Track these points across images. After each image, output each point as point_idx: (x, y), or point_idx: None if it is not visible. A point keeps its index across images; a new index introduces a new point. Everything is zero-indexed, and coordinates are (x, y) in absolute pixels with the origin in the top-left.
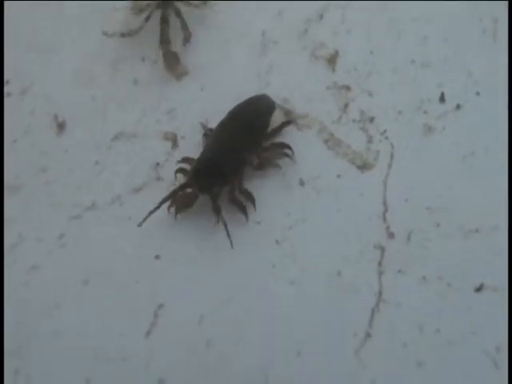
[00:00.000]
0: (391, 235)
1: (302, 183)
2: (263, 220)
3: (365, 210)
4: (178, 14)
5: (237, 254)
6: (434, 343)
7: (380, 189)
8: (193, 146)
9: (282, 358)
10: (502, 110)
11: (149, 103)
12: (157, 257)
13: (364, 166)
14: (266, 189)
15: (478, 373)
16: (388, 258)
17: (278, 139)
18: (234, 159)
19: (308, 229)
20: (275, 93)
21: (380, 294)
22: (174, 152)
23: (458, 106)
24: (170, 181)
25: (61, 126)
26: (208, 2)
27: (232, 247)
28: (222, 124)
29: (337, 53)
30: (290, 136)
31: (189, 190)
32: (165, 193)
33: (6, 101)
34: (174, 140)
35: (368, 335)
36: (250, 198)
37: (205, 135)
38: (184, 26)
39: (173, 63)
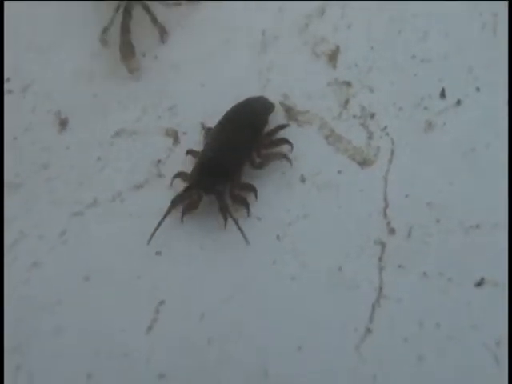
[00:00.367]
0: (392, 231)
1: (302, 179)
2: (264, 216)
3: (365, 206)
4: (147, 9)
5: (238, 250)
6: (435, 338)
7: (380, 185)
8: (194, 143)
9: (282, 353)
10: (502, 106)
11: (150, 100)
12: (158, 253)
13: (364, 162)
14: (266, 185)
15: (478, 367)
16: (388, 253)
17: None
18: (234, 157)
19: (309, 225)
20: (276, 89)
21: (380, 289)
22: (175, 148)
23: (459, 102)
24: (172, 177)
25: (63, 124)
26: (182, 2)
27: (247, 243)
28: (221, 124)
29: (337, 49)
30: (290, 132)
31: (196, 193)
32: (166, 190)
33: (8, 98)
34: (175, 136)
35: (369, 330)
36: (251, 188)
37: (205, 134)
38: (154, 22)
39: (128, 55)
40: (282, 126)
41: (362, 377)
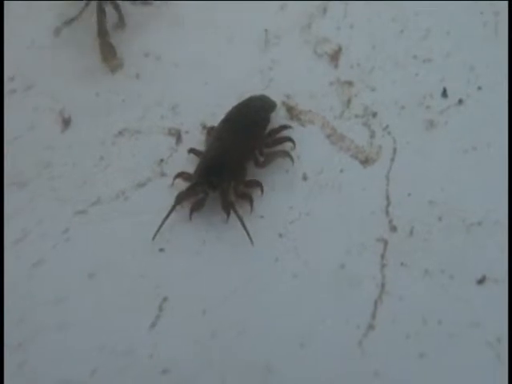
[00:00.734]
0: (394, 228)
1: (305, 178)
2: (266, 214)
3: (368, 204)
4: (116, 7)
5: (240, 247)
6: (437, 335)
7: (383, 183)
8: (197, 142)
9: (285, 349)
10: (503, 105)
11: (152, 99)
12: (161, 250)
13: (367, 161)
14: (269, 184)
15: (479, 364)
16: (391, 251)
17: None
18: (237, 156)
19: (311, 223)
20: (278, 88)
21: (383, 286)
22: (178, 147)
23: (460, 101)
24: (173, 177)
25: (66, 123)
26: (151, 2)
27: (252, 243)
28: (224, 122)
29: (339, 48)
30: (292, 131)
31: (200, 191)
32: (169, 188)
33: (11, 97)
34: (177, 136)
35: (371, 327)
36: (257, 183)
37: (206, 134)
38: (121, 19)
39: (108, 55)
40: (285, 127)
41: (364, 373)
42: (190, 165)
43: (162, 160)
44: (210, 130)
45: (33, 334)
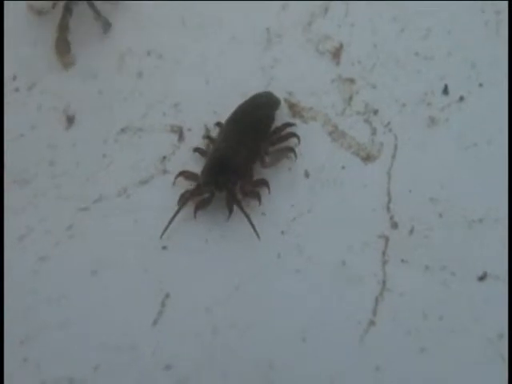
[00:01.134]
0: (395, 225)
1: (306, 175)
2: (269, 211)
3: (369, 201)
4: (91, 6)
5: (243, 244)
6: (437, 331)
7: (384, 180)
8: (199, 139)
9: (287, 345)
10: (504, 102)
11: (155, 96)
12: (164, 247)
13: (368, 158)
14: (271, 181)
15: (480, 359)
16: (392, 247)
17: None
18: (244, 155)
19: (313, 219)
20: (280, 86)
21: (384, 282)
22: (180, 145)
23: (462, 98)
24: (175, 176)
25: (69, 121)
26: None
27: (259, 238)
28: (229, 123)
29: (341, 46)
30: (295, 129)
31: (206, 190)
32: (171, 186)
33: (14, 96)
34: (180, 133)
35: (372, 323)
36: (263, 182)
37: (207, 137)
38: (97, 17)
39: (63, 51)
40: (288, 124)
41: (365, 368)
42: (193, 162)
43: (164, 157)
44: (216, 126)
45: (36, 331)
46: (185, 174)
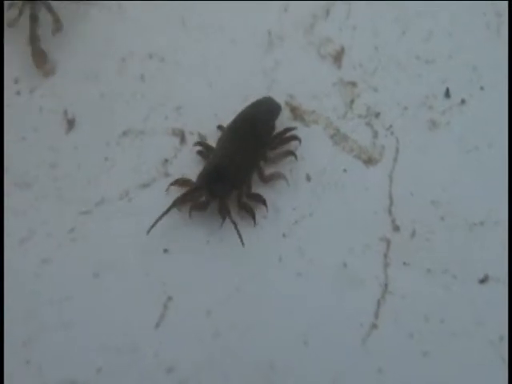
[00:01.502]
0: (397, 228)
1: (308, 178)
2: (270, 214)
3: (371, 204)
4: (50, 9)
5: (244, 247)
6: (439, 333)
7: (385, 183)
8: None
9: (288, 348)
10: (506, 104)
11: (156, 99)
12: (165, 250)
13: (370, 161)
14: (273, 184)
15: (482, 362)
16: (393, 250)
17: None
18: (242, 164)
19: (314, 223)
20: (281, 89)
21: (386, 285)
22: (182, 148)
23: (463, 101)
24: (179, 176)
25: (70, 124)
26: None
27: (243, 246)
28: (228, 130)
29: (342, 49)
30: (296, 132)
31: (199, 195)
32: (173, 189)
33: (16, 99)
34: (181, 136)
35: (374, 326)
36: (261, 199)
37: (200, 152)
38: (56, 20)
39: (40, 61)
40: (289, 129)
41: (367, 371)
42: (194, 165)
43: (166, 160)
44: (202, 146)
45: (38, 333)
46: (178, 182)
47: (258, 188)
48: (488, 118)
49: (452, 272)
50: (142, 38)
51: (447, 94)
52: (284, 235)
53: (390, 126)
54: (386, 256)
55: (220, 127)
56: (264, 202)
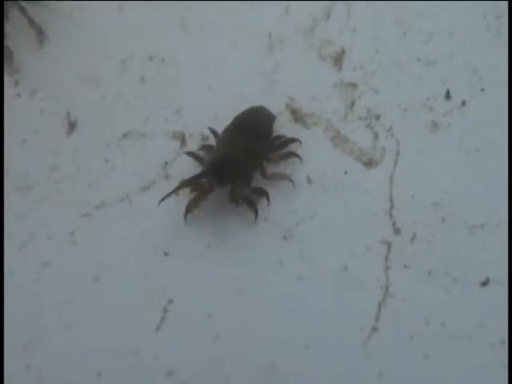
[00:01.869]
0: (397, 231)
1: (309, 180)
2: (271, 217)
3: (371, 207)
4: (23, 11)
5: (245, 250)
6: (440, 337)
7: (386, 185)
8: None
9: (289, 351)
10: (506, 106)
11: (157, 102)
12: (166, 253)
13: (370, 163)
14: (273, 186)
15: (483, 365)
16: (394, 253)
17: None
18: (246, 157)
19: (315, 225)
20: (282, 91)
21: (386, 288)
22: (182, 151)
23: (464, 103)
24: (179, 179)
25: (70, 126)
26: (58, 3)
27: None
28: (228, 130)
29: (343, 51)
30: (297, 134)
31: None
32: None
33: (16, 101)
34: (182, 138)
35: (375, 329)
36: (263, 192)
37: (203, 146)
38: (31, 24)
39: (6, 59)
40: (293, 139)
41: (368, 374)
42: (194, 168)
43: (166, 163)
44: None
45: (38, 336)
46: (185, 183)
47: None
48: (489, 119)
49: (453, 275)
50: (143, 40)
51: (448, 95)
52: (285, 238)
53: (391, 128)
54: (386, 258)
55: (214, 132)
56: (267, 195)
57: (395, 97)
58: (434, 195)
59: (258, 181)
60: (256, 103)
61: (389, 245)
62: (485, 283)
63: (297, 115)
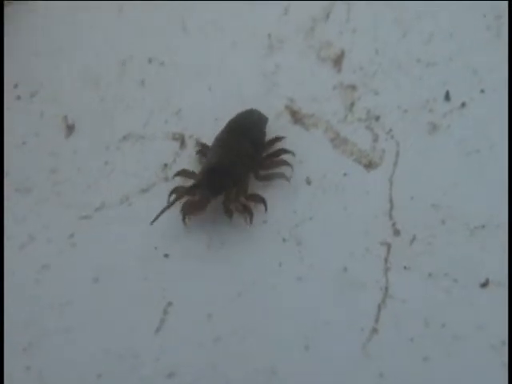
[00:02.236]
0: (397, 232)
1: (308, 182)
2: (270, 219)
3: (371, 208)
4: None
5: (244, 252)
6: (440, 338)
7: (386, 187)
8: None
9: (289, 353)
10: (506, 107)
11: (156, 104)
12: (166, 255)
13: (370, 165)
14: (272, 188)
15: (483, 367)
16: (394, 254)
17: (279, 145)
18: (240, 163)
19: (315, 227)
20: (281, 93)
21: (386, 289)
22: (181, 152)
23: (463, 104)
24: (178, 181)
25: (70, 128)
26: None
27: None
28: (219, 137)
29: (343, 52)
30: (296, 135)
31: (198, 194)
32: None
33: (16, 104)
34: (181, 140)
35: (375, 330)
36: (260, 199)
37: (199, 151)
38: None
39: None
40: (279, 138)
41: (368, 376)
42: (194, 170)
43: (165, 165)
44: (201, 147)
45: (38, 338)
46: (182, 174)
47: (258, 191)
48: (489, 120)
49: (453, 276)
50: (142, 41)
51: (447, 96)
52: (284, 239)
53: (390, 130)
54: (386, 260)
55: (203, 146)
56: (263, 202)
57: (395, 98)
58: (434, 196)
59: (253, 183)
60: (256, 104)
61: (388, 246)
62: (485, 284)
63: (296, 116)
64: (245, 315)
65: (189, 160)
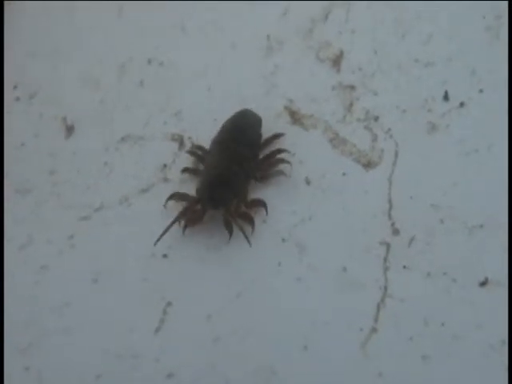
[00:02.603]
0: (396, 232)
1: (307, 182)
2: (269, 219)
3: (370, 208)
4: None
5: (244, 252)
6: (439, 337)
7: (385, 186)
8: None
9: (288, 352)
10: (505, 107)
11: (156, 105)
12: (165, 256)
13: (369, 165)
14: (272, 188)
15: (483, 366)
16: (393, 254)
17: (277, 145)
18: (237, 172)
19: (314, 226)
20: (281, 93)
21: (385, 289)
22: (180, 153)
23: (462, 104)
24: (177, 182)
25: (69, 129)
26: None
27: (250, 246)
28: (217, 141)
29: (341, 53)
30: (295, 136)
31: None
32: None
33: (15, 105)
34: (180, 141)
35: (374, 330)
36: (261, 203)
37: (191, 152)
38: None
39: None
40: (278, 135)
41: (367, 375)
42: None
43: (165, 165)
44: (195, 149)
45: (38, 338)
46: (176, 197)
47: (257, 192)
48: (487, 120)
49: (452, 275)
50: (142, 42)
51: (446, 96)
52: (283, 240)
53: (389, 130)
54: (385, 260)
55: (200, 148)
56: (264, 205)
57: (394, 98)
58: (433, 196)
59: (253, 184)
60: (255, 105)
61: (388, 246)
62: (484, 283)
63: (295, 117)
64: (244, 315)
65: (187, 161)
